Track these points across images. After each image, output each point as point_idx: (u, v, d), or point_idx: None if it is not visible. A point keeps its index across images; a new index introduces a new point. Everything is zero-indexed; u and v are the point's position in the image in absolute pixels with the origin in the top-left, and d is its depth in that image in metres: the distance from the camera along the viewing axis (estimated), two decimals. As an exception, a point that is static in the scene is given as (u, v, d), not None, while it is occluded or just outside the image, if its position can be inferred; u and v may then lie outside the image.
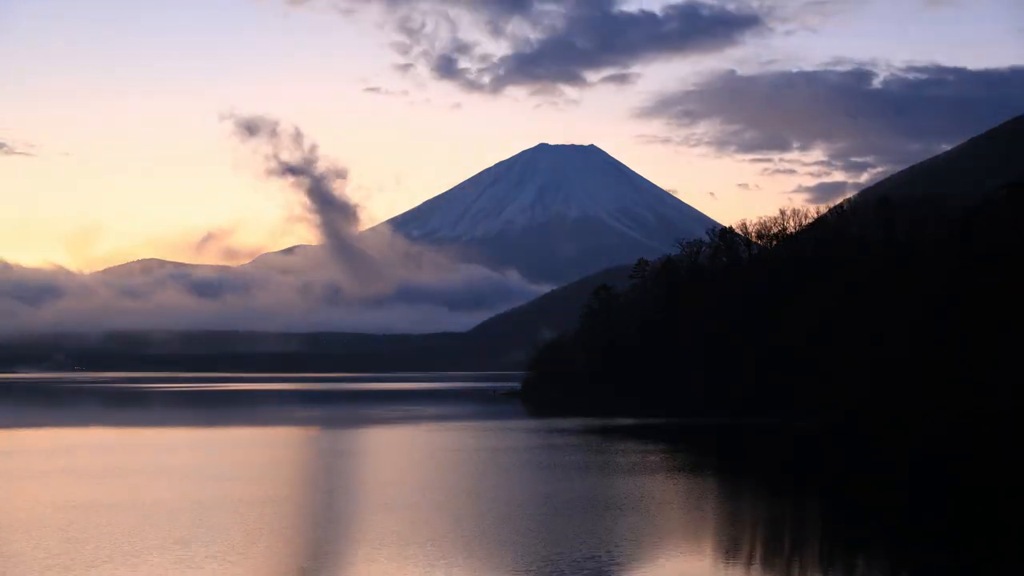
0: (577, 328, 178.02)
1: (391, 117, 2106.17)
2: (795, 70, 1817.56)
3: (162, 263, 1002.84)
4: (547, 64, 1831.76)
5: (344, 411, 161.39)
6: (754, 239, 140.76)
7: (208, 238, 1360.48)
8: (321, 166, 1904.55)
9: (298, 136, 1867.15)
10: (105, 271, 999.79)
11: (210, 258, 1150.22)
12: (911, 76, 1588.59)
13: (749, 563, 40.29)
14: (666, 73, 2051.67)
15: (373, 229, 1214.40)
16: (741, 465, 76.99)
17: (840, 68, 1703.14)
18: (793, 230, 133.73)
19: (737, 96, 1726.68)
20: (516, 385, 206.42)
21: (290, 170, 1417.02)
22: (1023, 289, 74.17)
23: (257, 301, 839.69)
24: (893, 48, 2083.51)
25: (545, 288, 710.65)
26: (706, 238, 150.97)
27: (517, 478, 65.56)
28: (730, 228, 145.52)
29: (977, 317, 77.23)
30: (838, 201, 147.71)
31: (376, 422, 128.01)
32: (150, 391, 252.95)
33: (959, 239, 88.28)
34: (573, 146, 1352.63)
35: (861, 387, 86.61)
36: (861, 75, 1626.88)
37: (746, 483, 65.03)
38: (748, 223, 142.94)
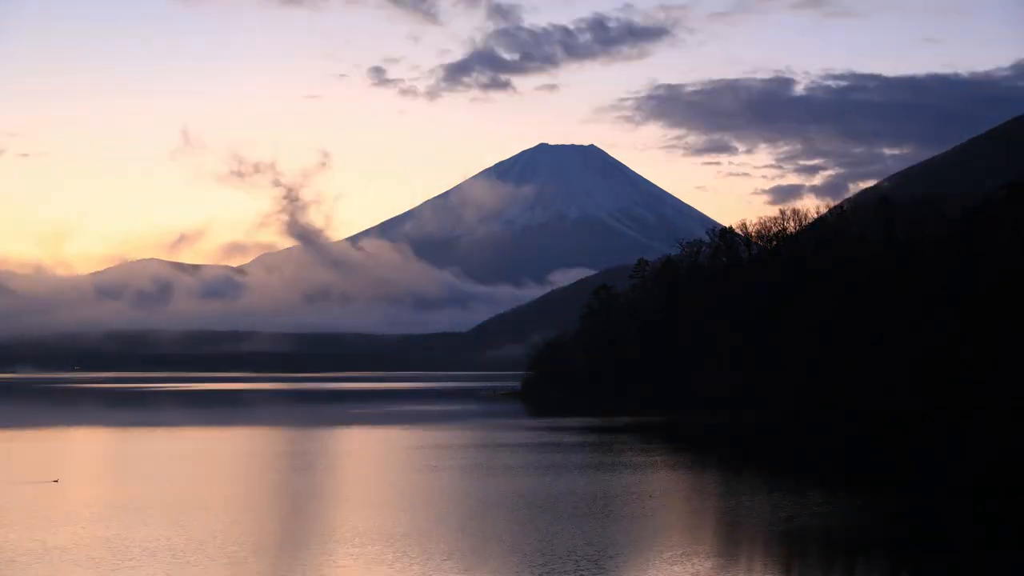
0: (577, 328, 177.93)
1: (345, 121, 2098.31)
2: (716, 78, 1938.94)
3: (162, 263, 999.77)
4: (475, 74, 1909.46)
5: (344, 411, 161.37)
6: (754, 239, 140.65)
7: (181, 239, 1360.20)
8: (287, 171, 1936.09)
9: (256, 141, 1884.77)
10: (103, 272, 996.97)
11: (193, 258, 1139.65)
12: (831, 83, 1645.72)
13: (749, 562, 40.31)
14: (594, 81, 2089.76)
15: (370, 231, 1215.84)
16: (741, 463, 76.97)
17: (760, 76, 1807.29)
18: (793, 230, 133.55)
19: (668, 103, 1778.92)
20: (516, 385, 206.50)
21: (254, 176, 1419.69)
22: (1023, 289, 74.24)
23: (257, 301, 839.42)
24: (804, 57, 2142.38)
25: (545, 288, 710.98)
26: (706, 238, 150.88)
27: (517, 477, 65.54)
28: (730, 228, 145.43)
29: (977, 317, 77.31)
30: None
31: (376, 422, 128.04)
32: (147, 391, 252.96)
33: (959, 239, 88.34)
34: (573, 146, 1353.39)
35: (861, 387, 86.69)
36: (782, 82, 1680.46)
37: (746, 481, 65.04)
38: (748, 223, 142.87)
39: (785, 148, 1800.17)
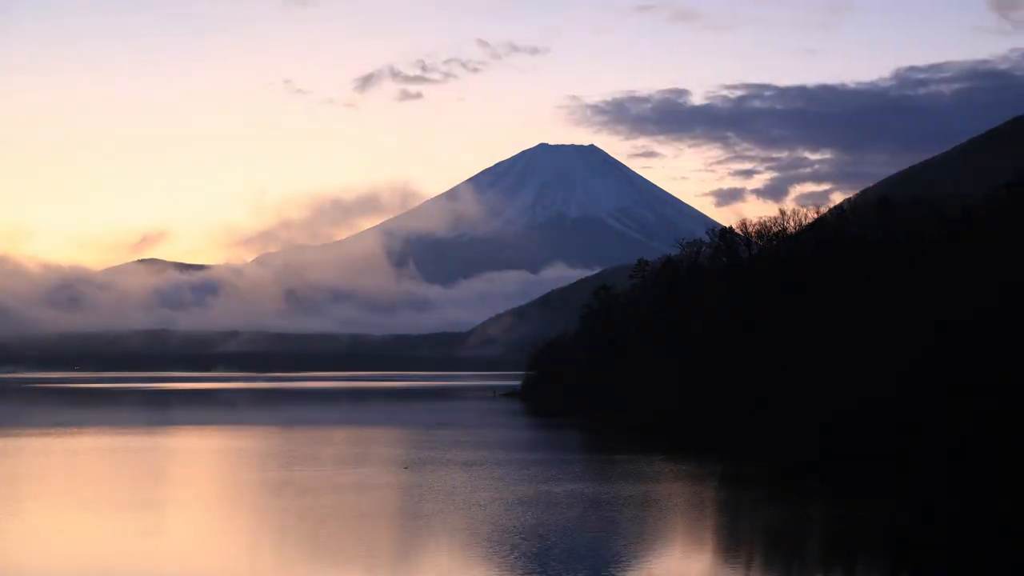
0: (577, 328, 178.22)
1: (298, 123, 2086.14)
2: (617, 88, 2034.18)
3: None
4: (385, 85, 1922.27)
5: (345, 411, 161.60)
6: (754, 239, 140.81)
7: (144, 240, 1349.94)
8: (263, 172, 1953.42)
9: (220, 142, 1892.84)
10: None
11: (172, 258, 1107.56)
12: (727, 92, 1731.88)
13: (749, 561, 40.37)
14: (498, 94, 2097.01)
15: (366, 232, 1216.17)
16: (741, 463, 77.12)
17: (657, 86, 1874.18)
18: (793, 230, 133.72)
19: (578, 112, 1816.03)
20: (516, 384, 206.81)
21: (225, 177, 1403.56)
22: (1023, 289, 74.39)
23: (257, 302, 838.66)
24: (693, 67, 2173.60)
25: (545, 288, 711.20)
26: (706, 238, 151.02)
27: (516, 476, 65.66)
28: (730, 228, 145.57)
29: (977, 318, 77.41)
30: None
31: (374, 422, 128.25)
32: (149, 391, 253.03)
33: (959, 239, 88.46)
34: (573, 146, 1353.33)
35: (861, 387, 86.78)
36: (679, 93, 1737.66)
37: (746, 480, 65.15)
38: (748, 223, 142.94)
39: (710, 154, 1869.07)
